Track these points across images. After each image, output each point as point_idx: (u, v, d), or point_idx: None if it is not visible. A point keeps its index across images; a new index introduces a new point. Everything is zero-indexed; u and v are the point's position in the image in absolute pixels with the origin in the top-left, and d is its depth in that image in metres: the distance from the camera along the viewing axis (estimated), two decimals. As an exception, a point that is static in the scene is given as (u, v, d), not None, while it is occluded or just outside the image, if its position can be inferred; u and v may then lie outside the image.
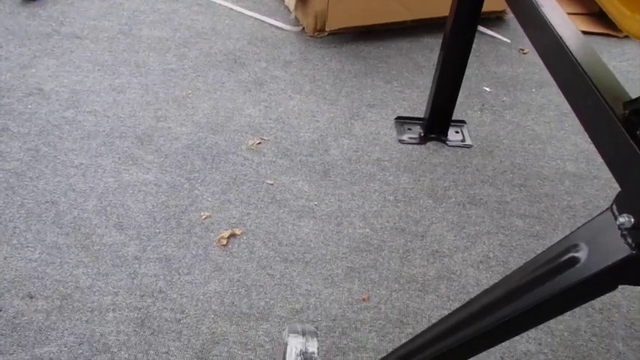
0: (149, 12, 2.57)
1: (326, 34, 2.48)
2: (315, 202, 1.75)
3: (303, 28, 2.52)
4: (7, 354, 1.33)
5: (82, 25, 2.42)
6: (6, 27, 2.35)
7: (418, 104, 2.19)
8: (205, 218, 1.67)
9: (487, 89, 2.36)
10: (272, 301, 1.48)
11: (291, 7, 2.55)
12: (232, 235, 1.63)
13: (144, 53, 2.31)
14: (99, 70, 2.20)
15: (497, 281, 0.94)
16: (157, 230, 1.63)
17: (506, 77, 2.44)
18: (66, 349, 1.34)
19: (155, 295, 1.47)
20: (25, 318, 1.40)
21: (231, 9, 2.65)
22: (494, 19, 2.77)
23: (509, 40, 2.67)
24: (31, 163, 1.79)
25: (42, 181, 1.74)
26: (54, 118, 1.96)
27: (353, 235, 1.68)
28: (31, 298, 1.44)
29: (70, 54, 2.26)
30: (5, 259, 1.52)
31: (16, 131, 1.89)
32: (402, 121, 2.10)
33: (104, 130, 1.94)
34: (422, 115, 2.10)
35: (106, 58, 2.26)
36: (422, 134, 2.05)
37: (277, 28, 2.55)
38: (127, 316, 1.42)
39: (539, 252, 0.91)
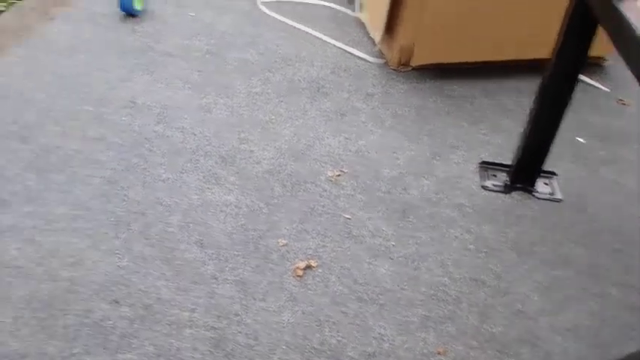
0: (237, 35, 2.69)
1: (410, 68, 2.54)
2: (393, 243, 1.80)
3: (387, 62, 2.59)
4: (94, 355, 1.42)
5: (174, 44, 2.56)
6: (107, 41, 2.51)
7: (504, 150, 2.20)
8: (282, 245, 1.74)
9: (581, 140, 2.32)
10: (344, 340, 1.53)
11: (377, 39, 2.62)
12: (308, 267, 1.69)
13: (230, 75, 2.43)
14: (188, 88, 2.32)
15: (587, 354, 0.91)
16: (236, 252, 1.71)
17: (603, 129, 2.40)
18: (145, 359, 1.43)
19: (230, 317, 1.54)
20: (110, 322, 1.49)
21: (316, 36, 2.74)
22: (593, 66, 2.71)
23: (608, 90, 2.62)
24: (124, 173, 1.91)
25: (132, 192, 1.85)
26: (145, 132, 2.08)
27: (430, 281, 1.70)
28: (117, 303, 1.54)
29: (162, 70, 2.39)
30: (94, 263, 1.63)
31: (111, 141, 2.02)
32: (486, 167, 2.10)
33: (190, 148, 2.04)
34: (508, 162, 2.07)
35: (195, 77, 2.38)
36: (507, 182, 2.03)
37: (360, 59, 2.63)
38: (203, 334, 1.49)
39: (636, 328, 0.91)
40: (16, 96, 2.19)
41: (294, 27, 2.78)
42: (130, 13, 2.70)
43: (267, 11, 2.88)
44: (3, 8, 3.43)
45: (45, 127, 2.06)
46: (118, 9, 2.70)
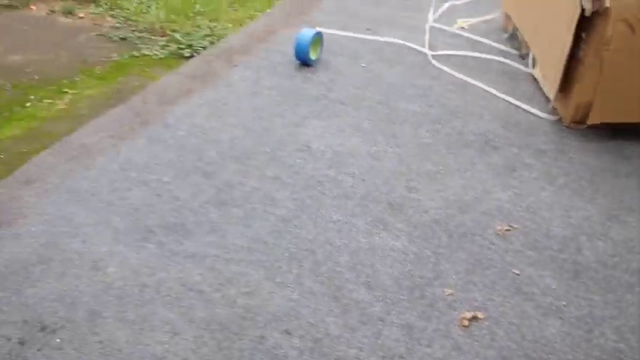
0: (407, 86, 2.80)
1: (585, 126, 2.50)
2: (564, 302, 1.76)
3: (561, 118, 2.57)
4: (266, 383, 1.53)
5: (346, 93, 2.72)
6: (284, 88, 2.73)
7: (685, 215, 2.11)
8: (449, 295, 1.77)
9: None
10: (512, 393, 1.53)
11: (551, 95, 2.61)
12: (474, 318, 1.71)
13: (400, 125, 2.53)
14: (359, 135, 2.45)
15: None
16: (402, 297, 1.76)
17: None
18: (313, 391, 1.51)
19: (396, 359, 1.59)
20: (282, 351, 1.60)
21: (486, 90, 2.78)
22: None
23: None
24: (297, 212, 2.05)
25: (304, 230, 1.98)
26: (318, 175, 2.22)
27: (604, 346, 1.65)
28: (288, 334, 1.65)
29: (334, 118, 2.55)
30: (269, 293, 1.76)
31: (286, 181, 2.18)
32: (666, 232, 2.03)
33: (360, 193, 2.15)
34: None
35: (366, 126, 2.51)
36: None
37: (532, 114, 2.63)
38: (368, 373, 1.56)
39: None
40: (201, 135, 2.44)
41: (465, 80, 2.85)
42: (305, 63, 2.91)
43: (437, 64, 2.98)
44: (188, 54, 3.82)
45: (226, 165, 2.27)
46: (294, 59, 2.92)
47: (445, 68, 2.95)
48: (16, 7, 4.49)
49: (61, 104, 3.43)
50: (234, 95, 2.69)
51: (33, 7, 4.51)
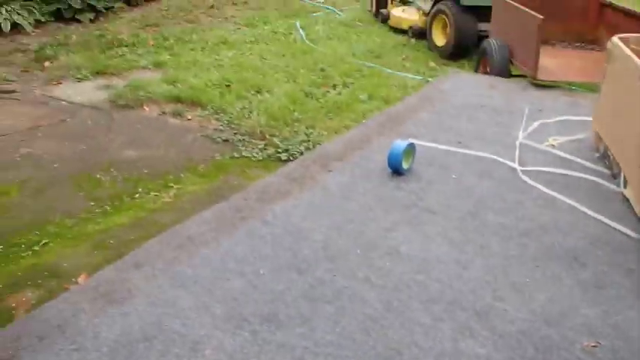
0: (496, 200, 2.93)
1: (677, 249, 2.53)
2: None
3: (651, 239, 2.61)
4: None
5: (436, 203, 2.87)
6: (376, 195, 2.92)
7: None
8: (533, 406, 1.81)
9: None
10: None
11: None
12: None
13: (488, 237, 2.64)
14: (447, 244, 2.57)
15: None
16: (486, 404, 1.82)
17: None
18: None
19: None
20: None
21: (575, 207, 2.86)
22: None
23: None
24: (385, 313, 2.16)
25: (391, 331, 2.08)
26: (406, 278, 2.34)
27: None
28: None
29: (424, 225, 2.69)
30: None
31: (375, 283, 2.31)
32: None
33: (447, 299, 2.25)
34: None
35: (455, 235, 2.63)
36: None
37: (623, 233, 2.68)
38: None
39: None
40: (296, 233, 2.63)
41: (555, 197, 2.94)
42: (397, 172, 3.10)
43: (527, 180, 3.09)
44: (285, 158, 4.11)
45: (319, 263, 2.43)
46: (387, 167, 3.12)
47: (535, 184, 3.06)
48: (131, 108, 5.00)
49: (166, 197, 3.76)
50: (329, 198, 2.89)
51: (146, 108, 5.00)
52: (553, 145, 3.47)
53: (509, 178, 3.13)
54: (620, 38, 3.12)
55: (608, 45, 3.20)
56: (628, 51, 2.96)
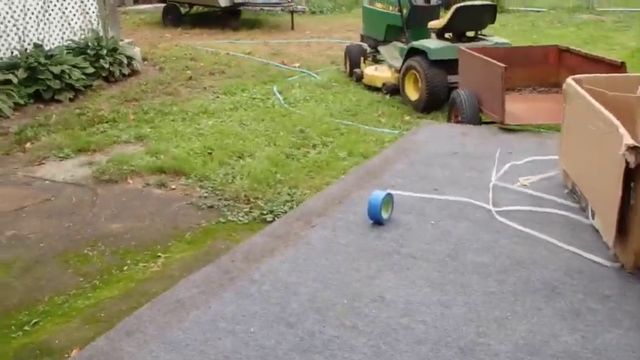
0: (474, 240, 3.06)
1: (648, 272, 2.66)
2: None
3: (622, 265, 2.74)
4: None
5: (417, 248, 3.00)
6: (359, 245, 3.05)
7: None
8: None
9: None
10: None
11: (610, 243, 2.81)
12: None
13: (468, 276, 2.76)
14: (429, 286, 2.69)
15: None
16: None
17: None
18: None
19: None
20: None
21: (549, 241, 3.00)
22: None
23: None
24: (373, 358, 2.26)
25: (380, 374, 2.18)
26: (392, 323, 2.45)
27: None
28: None
29: (406, 271, 2.81)
30: None
31: (363, 330, 2.41)
32: None
33: (432, 339, 2.35)
34: None
35: (436, 277, 2.75)
36: None
37: (595, 262, 2.81)
38: None
39: None
40: (284, 289, 2.73)
41: (529, 233, 3.08)
42: (377, 222, 3.24)
43: (502, 219, 3.24)
44: (271, 219, 4.24)
45: (308, 315, 2.53)
46: (368, 218, 3.26)
47: (509, 223, 3.21)
48: (115, 182, 5.14)
49: (155, 267, 3.86)
50: (313, 252, 3.01)
51: (130, 181, 5.15)
52: (524, 185, 3.64)
53: (485, 219, 3.28)
54: (574, 79, 3.34)
55: (564, 86, 3.42)
56: (581, 90, 3.17)
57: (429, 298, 2.60)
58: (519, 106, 5.12)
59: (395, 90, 7.34)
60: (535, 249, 2.96)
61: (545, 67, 5.59)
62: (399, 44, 7.60)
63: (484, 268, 2.81)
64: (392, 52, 7.69)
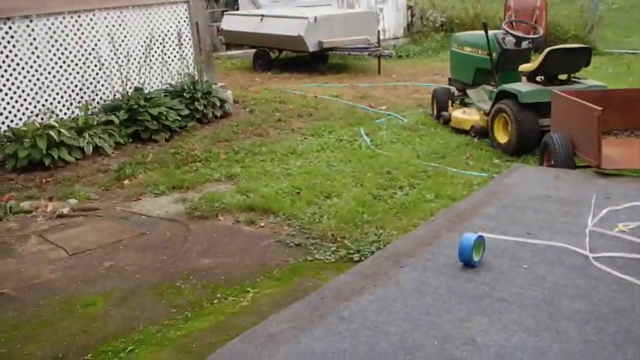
0: (569, 286, 2.97)
1: None
2: None
3: None
4: None
5: (509, 292, 2.94)
6: (449, 287, 3.01)
7: None
8: None
9: None
10: None
11: None
12: None
13: (564, 322, 2.67)
14: (523, 331, 2.62)
15: None
16: None
17: None
18: None
19: None
20: None
21: (653, 291, 2.88)
22: None
23: None
24: (465, 401, 2.22)
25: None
26: (484, 367, 2.40)
27: None
28: None
29: (499, 314, 2.76)
30: None
31: (454, 372, 2.38)
32: None
33: (527, 385, 2.29)
34: None
35: (530, 322, 2.68)
36: None
37: None
38: None
39: None
40: (373, 328, 2.73)
41: (629, 281, 2.96)
42: (468, 264, 3.20)
43: (599, 266, 3.13)
44: (357, 259, 4.26)
45: (397, 356, 2.51)
46: (458, 261, 3.22)
47: (608, 269, 3.09)
48: (207, 218, 5.32)
49: (244, 301, 3.95)
50: (403, 293, 3.00)
51: (221, 218, 5.31)
52: (623, 231, 3.51)
53: (581, 265, 3.17)
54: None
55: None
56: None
57: (524, 344, 2.53)
58: (616, 150, 4.96)
59: (483, 133, 7.27)
60: (636, 297, 2.83)
61: (642, 111, 5.42)
62: (488, 87, 7.55)
63: (581, 315, 2.71)
64: (481, 95, 7.64)
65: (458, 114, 7.84)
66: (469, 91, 7.91)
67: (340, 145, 7.41)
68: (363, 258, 4.18)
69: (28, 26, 7.20)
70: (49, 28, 7.38)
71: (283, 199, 5.54)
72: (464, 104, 8.08)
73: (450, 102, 8.18)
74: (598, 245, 3.38)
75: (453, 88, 8.38)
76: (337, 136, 7.74)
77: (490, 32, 7.38)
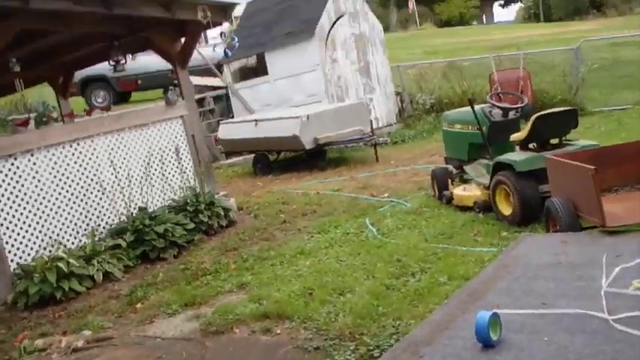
0: (594, 353, 2.92)
1: None
2: None
3: None
4: None
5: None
6: (471, 370, 2.95)
7: None
8: None
9: None
10: None
11: None
12: None
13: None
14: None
15: None
16: None
17: None
18: None
19: None
20: None
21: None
22: None
23: None
24: None
25: None
26: None
27: None
28: None
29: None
30: None
31: None
32: None
33: None
34: None
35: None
36: None
37: None
38: None
39: None
40: None
41: (654, 340, 2.90)
42: (487, 344, 3.13)
43: (621, 327, 3.06)
44: (378, 354, 4.16)
45: None
46: (476, 342, 3.16)
47: (630, 330, 3.02)
48: (222, 333, 5.26)
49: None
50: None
51: (236, 330, 5.25)
52: (639, 288, 3.46)
53: (603, 329, 3.11)
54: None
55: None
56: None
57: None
58: (619, 206, 4.95)
59: (487, 207, 7.27)
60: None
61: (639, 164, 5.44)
62: (484, 161, 7.63)
63: (610, 383, 2.64)
64: (478, 170, 7.71)
65: (459, 191, 7.87)
66: (466, 168, 7.99)
67: (347, 238, 7.41)
68: (383, 353, 4.09)
69: (29, 160, 7.36)
70: (50, 159, 7.53)
71: (296, 302, 5.49)
72: (463, 181, 8.14)
73: (449, 180, 8.24)
74: (616, 306, 3.32)
75: (451, 167, 8.46)
76: (343, 230, 7.75)
77: (477, 107, 7.54)
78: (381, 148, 13.04)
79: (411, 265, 5.97)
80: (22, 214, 7.22)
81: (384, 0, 55.28)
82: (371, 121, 13.32)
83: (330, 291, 5.63)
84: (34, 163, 7.41)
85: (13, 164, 7.22)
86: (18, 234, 7.16)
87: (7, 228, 7.06)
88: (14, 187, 7.20)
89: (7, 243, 6.99)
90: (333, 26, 15.29)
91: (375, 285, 5.61)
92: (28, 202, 7.29)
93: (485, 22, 52.75)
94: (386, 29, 21.91)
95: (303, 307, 5.36)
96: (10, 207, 7.13)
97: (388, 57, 17.38)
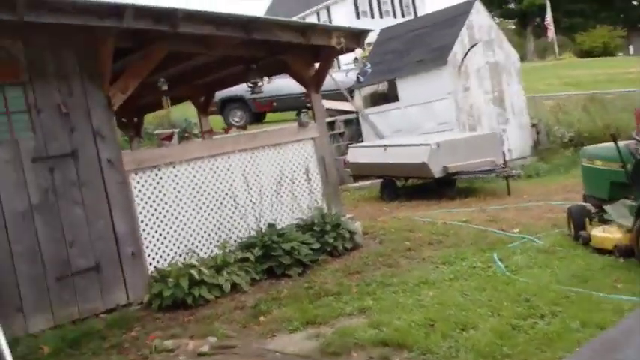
0: None
1: None
2: None
3: None
4: None
5: None
6: None
7: None
8: None
9: None
10: None
11: None
12: None
13: None
14: None
15: None
16: None
17: None
18: None
19: None
20: None
21: None
22: None
23: None
24: None
25: None
26: None
27: None
28: None
29: None
30: None
31: None
32: None
33: None
34: None
35: None
36: None
37: None
38: None
39: None
40: None
41: None
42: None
43: None
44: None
45: None
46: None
47: None
48: (339, 354, 5.26)
49: None
50: None
51: (354, 354, 5.29)
52: None
53: None
54: None
55: None
56: None
57: None
58: None
59: (629, 252, 6.80)
60: None
61: None
62: (628, 202, 7.16)
63: None
64: (620, 211, 7.25)
65: (598, 232, 7.43)
66: (607, 207, 7.54)
67: (473, 272, 7.20)
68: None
69: (171, 172, 7.80)
70: (190, 172, 7.95)
71: (417, 332, 5.39)
72: (603, 221, 7.67)
73: (587, 220, 7.81)
74: None
75: (589, 205, 8.02)
76: (469, 263, 7.54)
77: (621, 143, 7.10)
78: (513, 181, 12.62)
79: (540, 307, 5.69)
80: (162, 221, 7.66)
81: (520, 29, 53.80)
82: (504, 152, 12.96)
83: (453, 324, 5.48)
84: (175, 175, 7.86)
85: (157, 175, 7.69)
86: (157, 239, 7.59)
87: (148, 233, 7.51)
88: (157, 196, 7.66)
89: (147, 247, 7.45)
90: (466, 54, 15.08)
91: (500, 323, 5.39)
92: (167, 211, 7.72)
93: (632, 52, 49.55)
94: (522, 58, 21.30)
95: (424, 338, 5.25)
96: (152, 214, 7.59)
97: (524, 87, 16.87)
